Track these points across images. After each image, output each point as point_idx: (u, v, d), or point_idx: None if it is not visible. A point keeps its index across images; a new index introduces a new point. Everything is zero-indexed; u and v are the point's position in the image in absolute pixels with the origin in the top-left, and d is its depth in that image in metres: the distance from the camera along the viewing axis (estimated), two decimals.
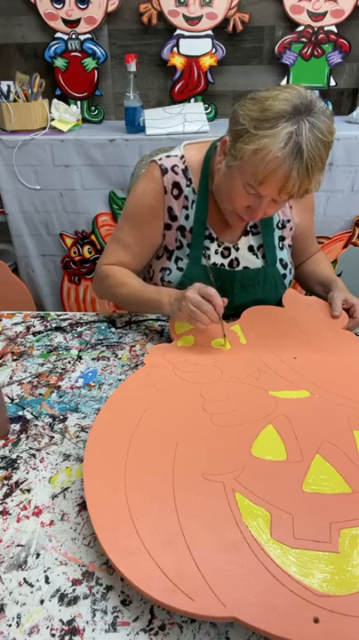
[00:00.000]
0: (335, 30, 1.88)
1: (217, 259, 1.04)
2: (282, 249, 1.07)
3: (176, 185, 1.01)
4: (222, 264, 1.04)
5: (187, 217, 1.02)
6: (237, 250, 1.04)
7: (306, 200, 1.09)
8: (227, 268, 1.04)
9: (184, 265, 1.04)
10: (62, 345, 0.98)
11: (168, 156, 1.02)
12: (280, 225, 1.06)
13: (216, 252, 1.04)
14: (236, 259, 1.05)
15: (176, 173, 1.00)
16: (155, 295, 0.97)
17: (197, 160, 1.02)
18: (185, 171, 1.01)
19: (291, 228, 1.09)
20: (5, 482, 0.67)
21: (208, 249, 1.04)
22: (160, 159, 1.01)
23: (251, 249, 1.05)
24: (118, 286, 1.03)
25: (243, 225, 1.04)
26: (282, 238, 1.07)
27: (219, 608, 0.48)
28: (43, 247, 2.01)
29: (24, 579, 0.55)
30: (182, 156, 1.02)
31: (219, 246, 1.04)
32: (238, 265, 1.05)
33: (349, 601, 0.49)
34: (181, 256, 1.05)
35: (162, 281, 1.07)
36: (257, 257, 1.05)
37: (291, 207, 1.08)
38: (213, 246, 1.04)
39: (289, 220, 1.08)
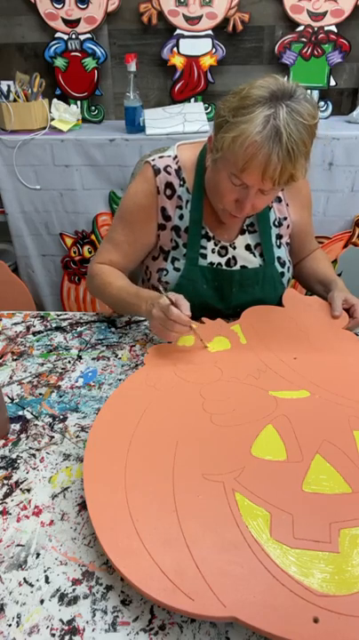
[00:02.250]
0: (335, 30, 1.87)
1: (214, 258, 1.04)
2: (279, 247, 1.07)
3: (169, 185, 1.01)
4: (219, 263, 1.04)
5: (181, 217, 1.02)
6: (234, 248, 1.04)
7: (302, 197, 1.09)
8: (224, 267, 1.04)
9: (181, 265, 1.04)
10: (62, 345, 0.98)
11: (161, 157, 1.02)
12: (277, 223, 1.06)
13: (213, 251, 1.04)
14: (234, 257, 1.05)
15: (169, 173, 1.00)
16: (134, 300, 0.97)
17: (191, 160, 1.02)
18: (178, 171, 1.01)
19: (288, 226, 1.08)
20: (5, 482, 0.67)
21: (204, 247, 1.03)
22: (153, 160, 1.02)
23: (248, 247, 1.05)
24: (105, 286, 1.03)
25: (236, 222, 1.03)
26: (279, 236, 1.07)
27: (219, 608, 0.48)
28: (43, 247, 2.01)
29: (24, 578, 0.55)
30: (175, 157, 1.02)
31: (216, 245, 1.04)
32: (235, 264, 1.05)
33: (349, 601, 0.49)
34: (178, 256, 1.05)
35: (159, 282, 1.07)
36: (254, 255, 1.05)
37: (287, 205, 1.07)
38: (210, 245, 1.04)
39: (286, 218, 1.08)
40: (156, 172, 1.00)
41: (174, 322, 0.84)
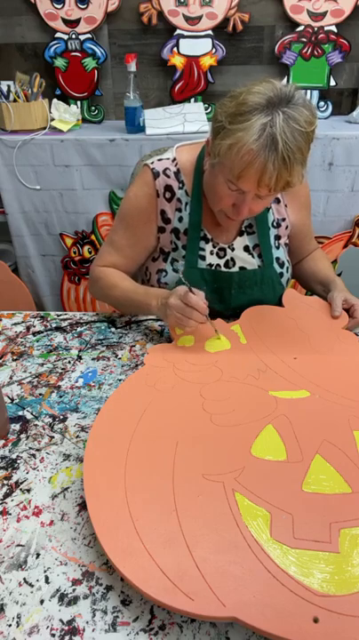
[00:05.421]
0: (335, 30, 1.87)
1: (212, 259, 1.04)
2: (278, 248, 1.07)
3: (168, 188, 1.01)
4: (218, 264, 1.04)
5: (180, 219, 1.02)
6: (233, 250, 1.04)
7: (301, 198, 1.09)
8: (222, 268, 1.04)
9: (180, 267, 1.04)
10: (62, 345, 0.98)
11: (160, 160, 1.02)
12: (275, 224, 1.06)
13: (211, 253, 1.04)
14: (232, 259, 1.05)
15: (168, 176, 1.00)
16: (143, 298, 0.98)
17: (190, 162, 1.02)
18: (177, 173, 1.01)
19: (286, 227, 1.08)
20: (5, 482, 0.67)
21: (203, 249, 1.03)
22: (152, 162, 1.02)
23: (246, 249, 1.05)
24: (110, 288, 1.04)
25: (234, 225, 1.03)
26: (277, 237, 1.07)
27: (219, 608, 0.48)
28: (43, 247, 2.01)
29: (24, 579, 0.55)
30: (174, 159, 1.02)
31: (215, 247, 1.04)
32: (234, 265, 1.05)
33: (349, 601, 0.49)
34: (177, 257, 1.05)
35: (158, 282, 1.07)
36: (253, 257, 1.05)
37: (286, 205, 1.08)
38: (208, 247, 1.04)
39: (284, 219, 1.08)
40: (155, 175, 1.00)
41: (192, 309, 0.85)
